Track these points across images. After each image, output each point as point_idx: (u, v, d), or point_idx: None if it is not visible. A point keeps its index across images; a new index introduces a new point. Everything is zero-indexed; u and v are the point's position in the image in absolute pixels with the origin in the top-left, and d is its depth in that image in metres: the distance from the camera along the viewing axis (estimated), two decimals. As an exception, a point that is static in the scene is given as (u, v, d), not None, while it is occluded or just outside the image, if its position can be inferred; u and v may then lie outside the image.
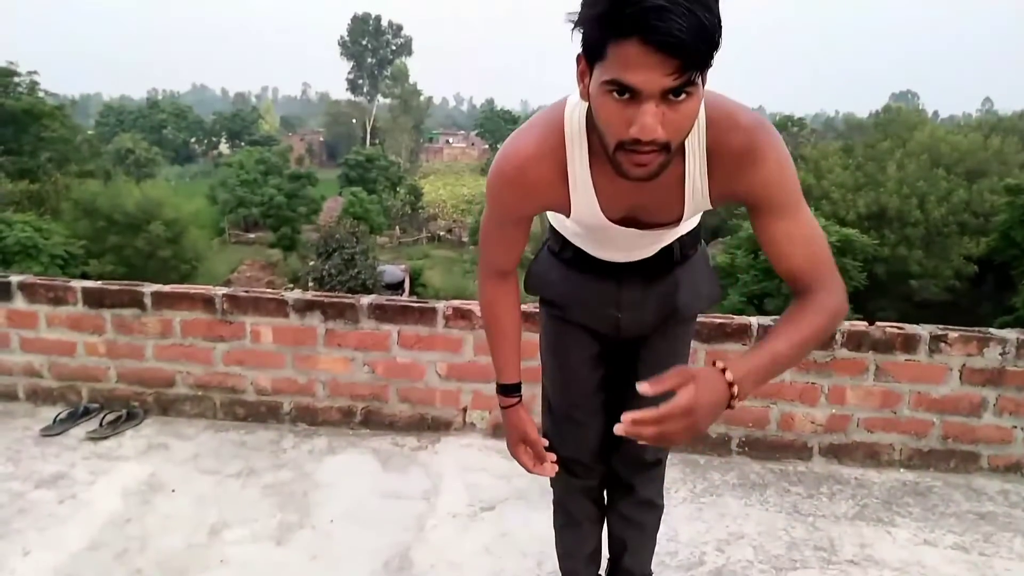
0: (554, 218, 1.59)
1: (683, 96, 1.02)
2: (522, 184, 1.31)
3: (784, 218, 1.26)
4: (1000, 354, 2.84)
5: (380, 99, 75.71)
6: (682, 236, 1.55)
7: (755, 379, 1.15)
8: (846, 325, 2.88)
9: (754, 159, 1.22)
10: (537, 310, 1.77)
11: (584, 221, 1.39)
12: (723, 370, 1.10)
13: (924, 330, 2.86)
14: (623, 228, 1.38)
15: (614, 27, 0.98)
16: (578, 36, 1.06)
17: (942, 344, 2.84)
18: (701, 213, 1.46)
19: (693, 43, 0.96)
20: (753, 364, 1.14)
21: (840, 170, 27.33)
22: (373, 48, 75.59)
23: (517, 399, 1.61)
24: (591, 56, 1.06)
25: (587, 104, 1.15)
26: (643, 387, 1.03)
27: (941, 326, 2.91)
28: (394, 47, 75.98)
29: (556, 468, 1.62)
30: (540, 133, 1.29)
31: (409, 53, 76.32)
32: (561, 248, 1.61)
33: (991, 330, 2.91)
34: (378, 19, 75.85)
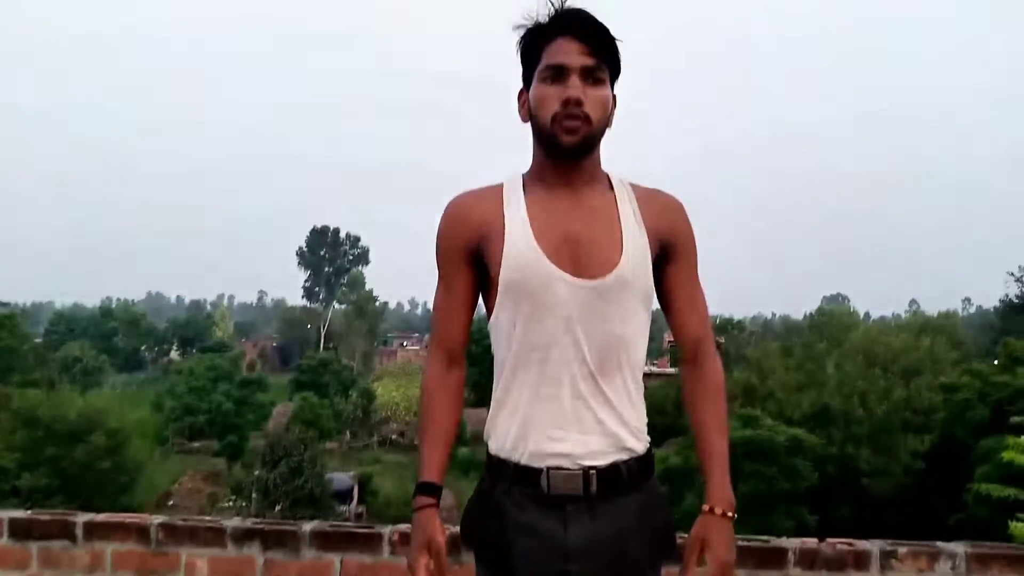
0: (496, 342, 1.56)
1: (598, 82, 1.49)
2: (461, 217, 1.58)
3: (691, 278, 1.60)
4: (951, 568, 2.83)
5: (335, 304, 76.92)
6: (636, 456, 1.54)
7: (730, 485, 1.58)
8: (797, 543, 2.87)
9: (676, 208, 1.61)
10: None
11: (520, 259, 1.49)
12: (720, 512, 1.54)
13: (874, 546, 2.86)
14: (564, 275, 1.48)
15: (547, 32, 1.51)
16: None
17: (892, 560, 2.83)
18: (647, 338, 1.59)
19: (598, 35, 1.50)
20: (724, 479, 1.58)
21: (782, 370, 28.08)
22: (331, 258, 77.80)
23: (432, 502, 1.53)
24: (530, 66, 1.53)
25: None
26: None
27: (891, 541, 2.91)
28: (351, 257, 78.40)
29: None
30: (479, 187, 1.62)
31: (366, 263, 78.75)
32: (498, 476, 1.54)
33: (939, 544, 2.92)
34: (336, 231, 78.80)
